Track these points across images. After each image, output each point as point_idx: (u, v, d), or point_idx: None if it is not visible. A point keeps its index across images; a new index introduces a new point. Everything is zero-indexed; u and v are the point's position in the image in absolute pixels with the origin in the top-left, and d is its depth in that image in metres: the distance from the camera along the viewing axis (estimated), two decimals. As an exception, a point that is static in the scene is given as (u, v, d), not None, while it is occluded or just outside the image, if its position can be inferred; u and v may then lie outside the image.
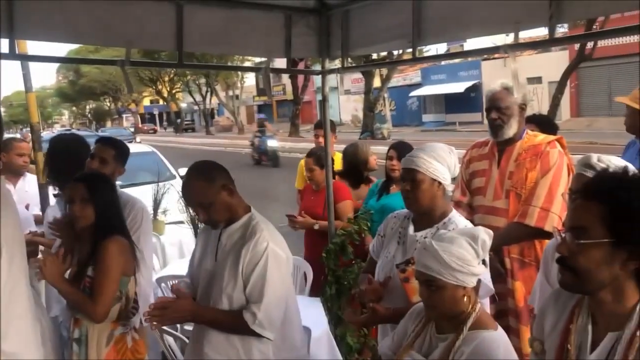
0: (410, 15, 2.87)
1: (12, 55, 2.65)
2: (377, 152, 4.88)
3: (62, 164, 3.07)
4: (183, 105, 57.87)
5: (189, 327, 3.48)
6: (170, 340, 3.32)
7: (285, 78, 41.67)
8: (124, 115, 62.14)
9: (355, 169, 4.44)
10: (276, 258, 2.22)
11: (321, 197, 4.20)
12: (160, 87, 48.38)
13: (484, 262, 1.83)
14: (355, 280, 3.41)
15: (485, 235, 1.82)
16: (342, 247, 3.59)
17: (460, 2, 2.70)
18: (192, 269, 2.48)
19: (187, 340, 3.39)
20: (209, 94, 45.72)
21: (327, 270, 3.60)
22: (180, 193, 2.26)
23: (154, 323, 2.24)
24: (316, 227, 4.08)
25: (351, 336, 3.39)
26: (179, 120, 54.12)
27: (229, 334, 2.26)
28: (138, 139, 31.24)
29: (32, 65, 5.21)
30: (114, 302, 2.43)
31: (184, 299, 2.28)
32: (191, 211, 6.58)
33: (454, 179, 2.40)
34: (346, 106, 44.30)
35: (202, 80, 44.32)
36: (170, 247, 5.59)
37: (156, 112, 65.92)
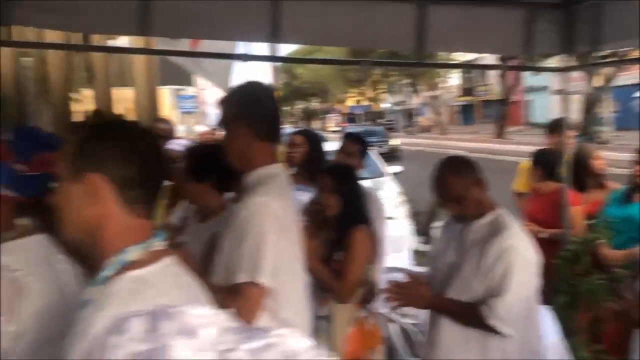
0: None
1: (278, 58, 2.99)
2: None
3: (313, 156, 3.38)
4: (385, 105, 59.12)
5: (411, 319, 3.60)
6: (394, 328, 3.45)
7: (492, 77, 40.15)
8: (329, 115, 65.52)
9: (579, 173, 4.15)
10: (522, 257, 2.19)
11: (546, 202, 4.00)
12: (365, 88, 50.06)
13: None
14: (591, 292, 3.20)
15: None
16: (577, 256, 3.39)
17: None
18: (431, 263, 2.56)
19: (407, 329, 3.51)
20: (412, 94, 46.11)
21: (559, 279, 3.42)
22: (433, 186, 2.33)
23: (393, 303, 2.37)
24: (543, 235, 3.90)
25: (584, 349, 3.18)
26: (380, 121, 55.42)
27: (464, 326, 2.28)
28: (398, 140, 25.78)
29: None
30: (358, 287, 2.61)
31: (424, 286, 2.36)
32: (407, 208, 6.75)
33: None
34: (558, 107, 41.20)
35: (405, 81, 44.80)
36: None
37: (359, 112, 68.31)
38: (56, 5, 2.99)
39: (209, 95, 27.71)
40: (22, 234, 1.40)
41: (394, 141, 24.36)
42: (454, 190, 2.25)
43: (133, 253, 1.06)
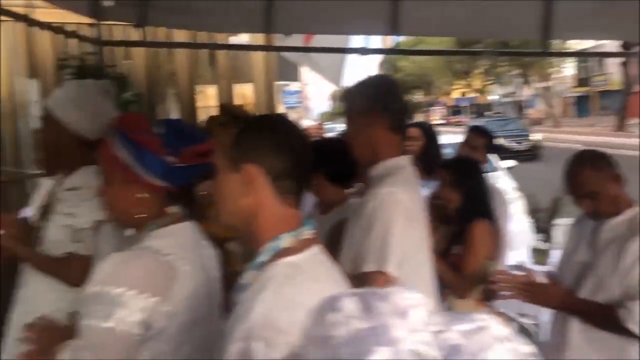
0: None
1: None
2: None
3: (430, 149, 3.35)
4: (493, 97, 57.02)
5: (530, 319, 3.47)
6: (513, 328, 3.34)
7: (612, 66, 37.44)
8: (433, 108, 64.31)
9: None
10: None
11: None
12: (472, 79, 48.60)
13: None
14: None
15: None
16: None
17: None
18: (560, 262, 2.45)
19: (527, 329, 3.38)
20: (522, 85, 44.14)
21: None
22: (565, 181, 2.22)
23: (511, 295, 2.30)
24: None
25: None
26: (487, 113, 53.51)
27: (598, 329, 2.17)
28: (539, 135, 22.11)
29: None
30: (478, 283, 2.56)
31: (556, 285, 2.27)
32: (524, 204, 6.47)
33: None
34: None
35: (515, 72, 42.94)
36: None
37: (464, 105, 66.37)
38: (186, 7, 3.17)
39: (311, 90, 28.11)
40: (173, 221, 1.49)
41: (535, 136, 20.88)
42: (588, 186, 2.14)
43: (286, 240, 1.11)
